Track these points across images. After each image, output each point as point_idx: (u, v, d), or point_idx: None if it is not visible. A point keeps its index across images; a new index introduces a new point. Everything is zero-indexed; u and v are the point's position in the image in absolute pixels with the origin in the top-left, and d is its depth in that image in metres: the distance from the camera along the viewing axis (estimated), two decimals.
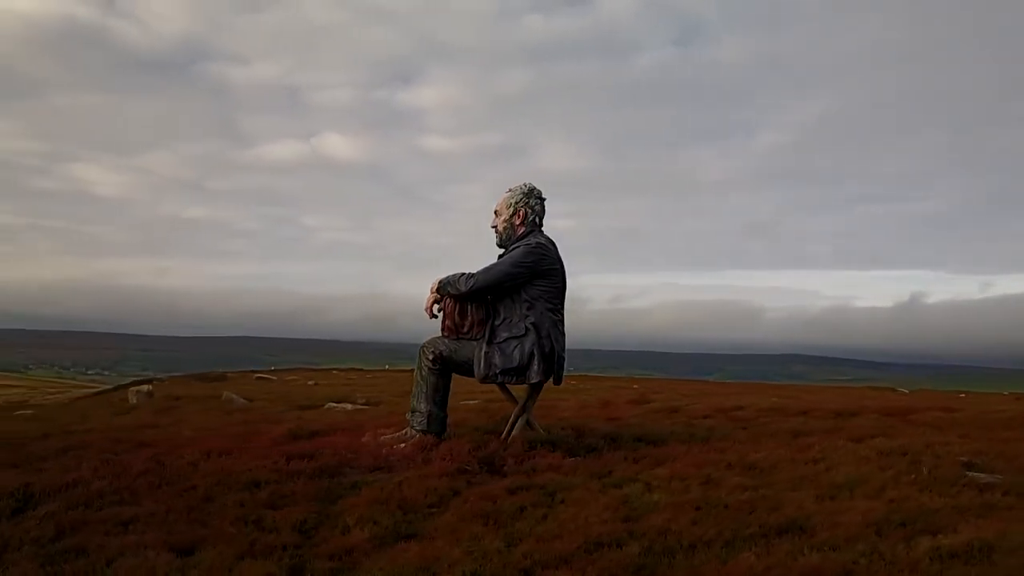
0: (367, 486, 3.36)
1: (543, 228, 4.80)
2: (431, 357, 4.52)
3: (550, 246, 4.62)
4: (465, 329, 4.57)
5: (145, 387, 12.40)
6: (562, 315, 4.68)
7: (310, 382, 17.46)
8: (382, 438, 4.63)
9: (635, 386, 16.98)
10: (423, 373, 4.56)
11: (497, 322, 4.52)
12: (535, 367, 4.44)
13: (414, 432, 4.50)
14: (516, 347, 4.44)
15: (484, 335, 4.50)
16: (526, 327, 4.47)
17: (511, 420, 4.74)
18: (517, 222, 4.68)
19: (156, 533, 2.52)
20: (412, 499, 3.03)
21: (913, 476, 3.29)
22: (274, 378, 20.36)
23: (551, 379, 4.64)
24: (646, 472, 3.72)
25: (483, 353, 4.43)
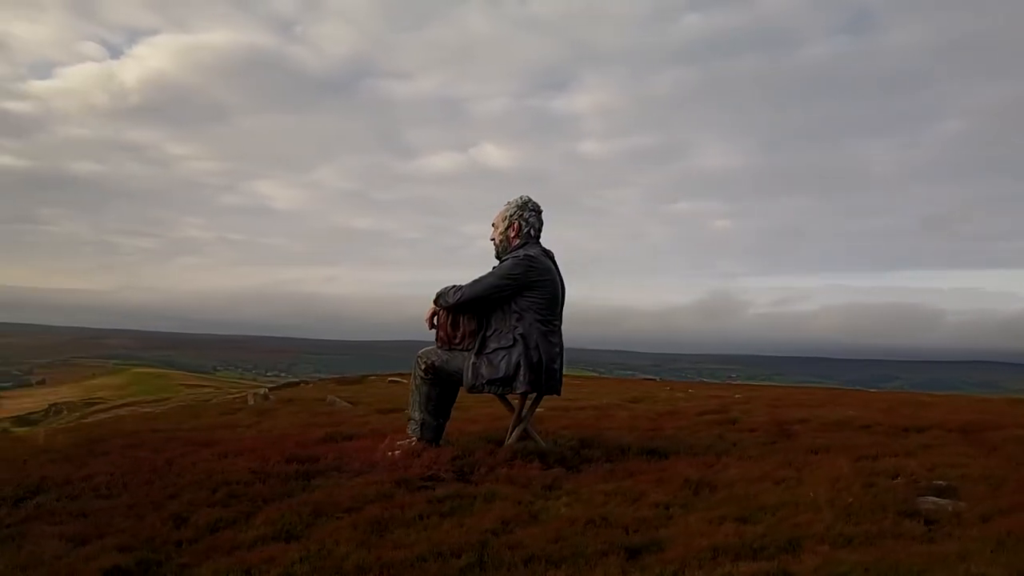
0: (318, 488, 3.60)
1: (540, 239, 4.88)
2: (423, 367, 4.72)
3: (541, 258, 4.70)
4: (457, 340, 4.73)
5: (262, 390, 13.42)
6: (555, 326, 4.74)
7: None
8: (397, 443, 4.86)
9: (737, 396, 16.31)
10: (416, 383, 4.77)
11: (488, 333, 4.65)
12: (521, 378, 4.53)
13: (412, 439, 4.71)
14: (503, 358, 4.54)
15: (475, 346, 4.63)
16: (514, 338, 4.57)
17: (510, 429, 4.85)
18: (512, 235, 4.79)
19: (78, 526, 2.87)
20: (334, 503, 3.22)
21: (849, 501, 3.11)
22: (405, 381, 21.31)
23: (547, 389, 4.71)
24: (600, 485, 3.74)
25: (471, 363, 4.58)
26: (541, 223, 4.89)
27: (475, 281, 4.64)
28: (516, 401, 4.88)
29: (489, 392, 4.66)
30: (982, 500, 3.16)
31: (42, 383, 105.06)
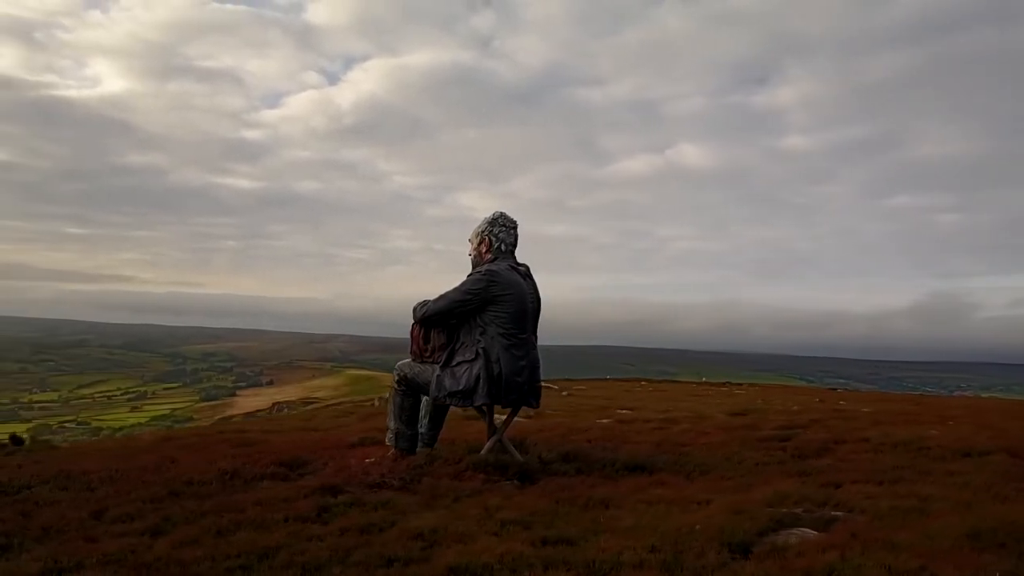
0: (244, 492, 3.99)
1: (515, 253, 4.97)
2: (397, 379, 4.98)
3: (504, 272, 4.77)
4: (428, 353, 4.93)
5: (388, 394, 14.24)
6: (520, 339, 4.80)
7: (564, 393, 18.34)
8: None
9: (841, 402, 14.98)
10: (391, 393, 5.03)
11: (456, 346, 4.81)
12: (480, 390, 4.65)
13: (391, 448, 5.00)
14: (465, 371, 4.70)
15: (442, 359, 4.82)
16: (477, 352, 4.70)
17: (488, 440, 5.00)
18: (484, 250, 4.93)
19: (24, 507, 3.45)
20: (236, 506, 3.58)
21: (696, 527, 3.00)
22: (555, 386, 21.65)
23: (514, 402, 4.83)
24: (517, 498, 3.85)
25: (436, 376, 4.77)
26: (514, 237, 4.98)
27: (440, 296, 4.81)
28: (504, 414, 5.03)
29: (451, 404, 4.83)
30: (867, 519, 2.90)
31: (270, 383, 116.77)
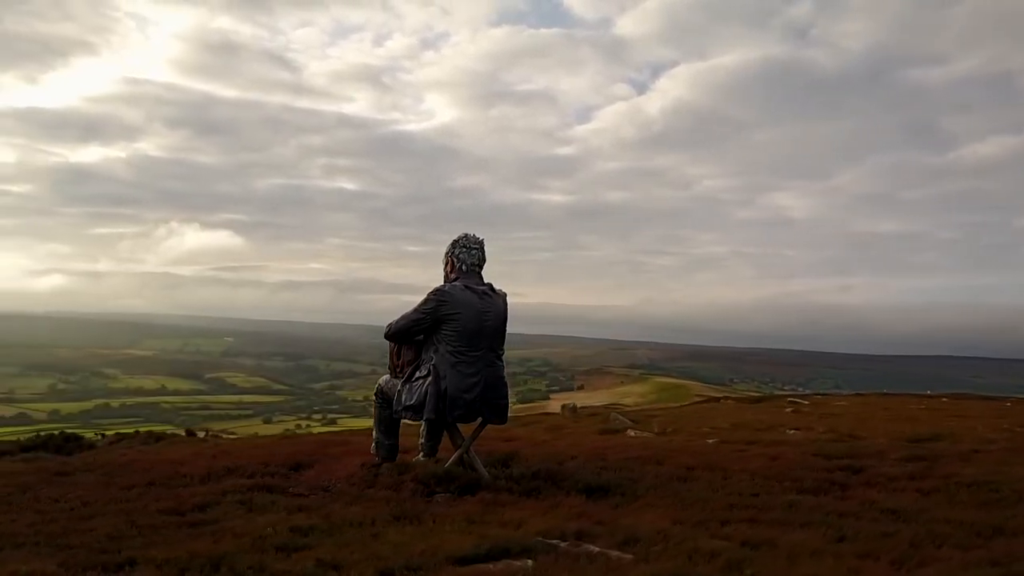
0: (214, 484, 4.92)
1: (479, 271, 5.29)
2: (376, 391, 5.56)
3: (455, 292, 5.08)
4: (399, 369, 5.43)
5: (571, 403, 14.69)
6: (472, 356, 5.06)
7: (787, 409, 17.10)
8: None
9: (922, 405, 11.68)
10: (374, 406, 5.63)
11: (419, 363, 5.25)
12: (428, 405, 5.03)
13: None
14: (419, 387, 5.11)
15: (407, 374, 5.31)
16: (429, 369, 5.10)
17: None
18: (449, 271, 5.34)
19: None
20: (181, 499, 4.51)
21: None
22: (805, 402, 20.26)
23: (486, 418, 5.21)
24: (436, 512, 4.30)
25: (398, 391, 5.28)
26: (475, 256, 5.26)
27: (402, 316, 5.22)
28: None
29: (406, 418, 5.27)
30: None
31: (581, 388, 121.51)
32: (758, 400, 22.04)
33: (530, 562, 3.02)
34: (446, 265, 5.36)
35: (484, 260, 5.36)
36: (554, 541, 3.38)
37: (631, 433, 9.52)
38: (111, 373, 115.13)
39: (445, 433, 5.43)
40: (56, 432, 8.04)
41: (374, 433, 5.62)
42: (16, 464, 6.13)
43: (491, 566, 3.03)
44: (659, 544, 3.41)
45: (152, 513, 4.11)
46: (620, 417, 11.90)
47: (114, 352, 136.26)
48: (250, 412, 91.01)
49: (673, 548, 3.33)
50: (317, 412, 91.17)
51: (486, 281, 5.31)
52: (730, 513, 4.18)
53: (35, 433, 8.11)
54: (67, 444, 7.31)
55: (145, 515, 4.06)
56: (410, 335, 5.30)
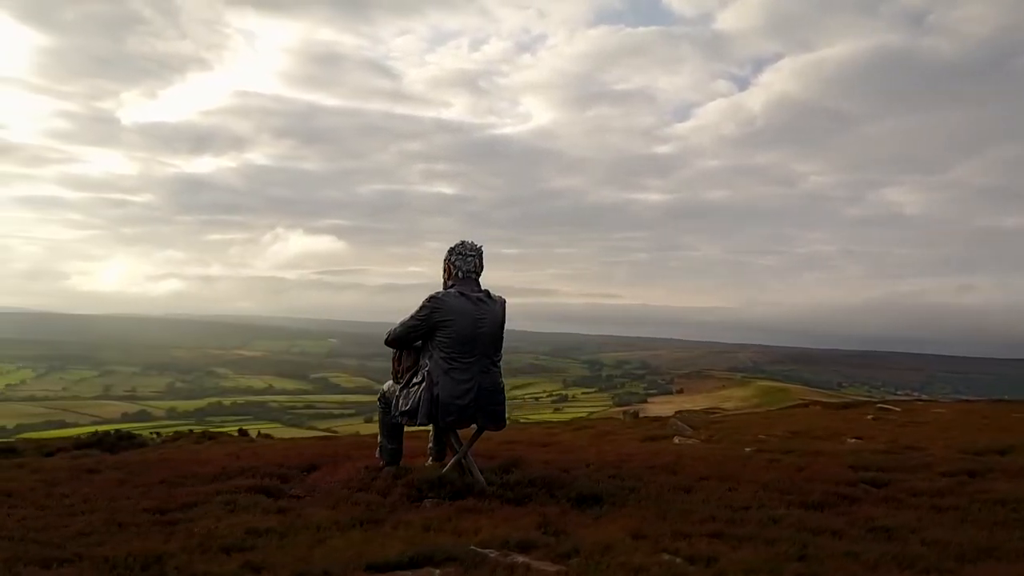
0: (228, 482, 5.14)
1: (476, 277, 5.32)
2: (379, 396, 5.66)
3: (448, 298, 5.14)
4: (400, 374, 5.52)
5: (632, 408, 14.47)
6: (465, 362, 5.11)
7: (869, 416, 16.23)
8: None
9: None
10: (377, 411, 5.73)
11: (417, 368, 5.33)
12: (421, 411, 5.12)
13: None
14: (415, 392, 5.20)
15: (406, 380, 5.40)
16: (423, 375, 5.19)
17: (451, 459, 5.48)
18: (446, 277, 5.41)
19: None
20: (171, 497, 4.73)
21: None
22: (897, 408, 19.23)
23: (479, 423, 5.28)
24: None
25: (396, 396, 5.39)
26: (471, 263, 5.29)
27: (400, 323, 5.31)
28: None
29: (403, 423, 5.37)
30: None
31: (680, 392, 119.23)
32: (845, 406, 21.05)
33: (437, 571, 3.01)
34: (444, 272, 5.41)
35: (481, 267, 5.40)
36: (487, 551, 3.37)
37: (676, 441, 9.31)
38: (223, 372, 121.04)
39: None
40: (112, 431, 8.54)
41: (380, 437, 5.72)
42: (61, 460, 6.56)
43: (403, 573, 3.04)
44: (596, 557, 3.34)
45: (136, 511, 4.33)
46: (679, 423, 11.64)
47: (226, 352, 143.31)
48: (353, 411, 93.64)
49: (607, 562, 3.27)
50: None
51: (483, 287, 5.35)
52: (699, 527, 4.05)
53: (93, 431, 8.64)
54: (120, 443, 7.76)
55: (129, 513, 4.28)
56: (408, 341, 5.39)
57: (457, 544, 3.45)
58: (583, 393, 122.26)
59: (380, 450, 5.69)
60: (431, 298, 5.18)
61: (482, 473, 5.35)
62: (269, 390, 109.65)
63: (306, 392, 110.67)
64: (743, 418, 15.48)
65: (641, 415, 13.92)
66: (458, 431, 5.42)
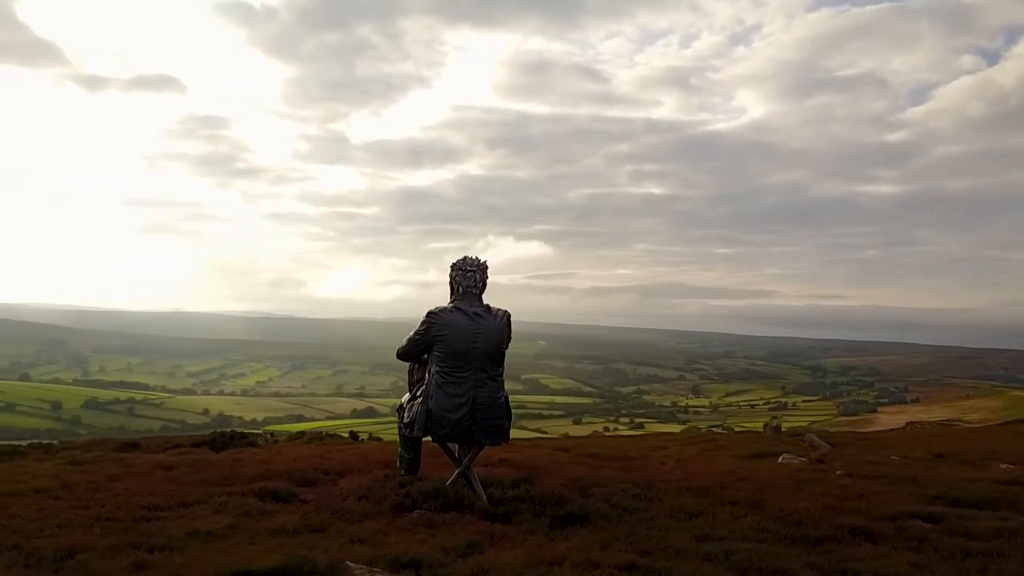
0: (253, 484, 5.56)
1: (479, 293, 5.37)
2: (397, 407, 5.80)
3: (444, 314, 5.25)
4: (412, 386, 5.65)
5: (776, 422, 13.47)
6: (458, 377, 5.17)
7: (905, 424, 13.87)
8: None
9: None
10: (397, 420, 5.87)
11: (423, 382, 5.45)
12: (418, 424, 5.28)
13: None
14: (415, 406, 5.37)
15: (413, 392, 5.53)
16: (422, 389, 5.33)
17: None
18: (450, 293, 5.47)
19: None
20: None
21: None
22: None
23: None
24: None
25: (403, 408, 5.55)
26: (471, 279, 5.34)
27: (407, 338, 5.44)
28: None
29: (406, 434, 5.52)
30: None
31: (916, 401, 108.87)
32: None
33: None
34: (449, 287, 5.50)
35: (483, 282, 5.42)
36: (360, 566, 3.40)
37: (780, 460, 8.59)
38: None
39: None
40: (228, 431, 9.40)
41: (400, 448, 5.86)
42: (159, 456, 7.37)
43: None
44: None
45: (135, 507, 4.80)
46: (816, 439, 10.77)
47: None
48: (561, 413, 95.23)
49: None
50: (624, 416, 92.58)
51: (485, 302, 5.38)
52: (619, 555, 3.81)
53: (212, 431, 9.57)
54: (231, 442, 8.56)
55: (127, 508, 4.76)
56: (415, 355, 5.55)
57: (338, 559, 3.51)
58: (804, 401, 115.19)
59: (400, 460, 5.85)
60: (429, 313, 5.30)
61: (497, 488, 5.38)
62: None
63: (517, 392, 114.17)
64: (907, 432, 13.97)
65: (783, 429, 12.96)
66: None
